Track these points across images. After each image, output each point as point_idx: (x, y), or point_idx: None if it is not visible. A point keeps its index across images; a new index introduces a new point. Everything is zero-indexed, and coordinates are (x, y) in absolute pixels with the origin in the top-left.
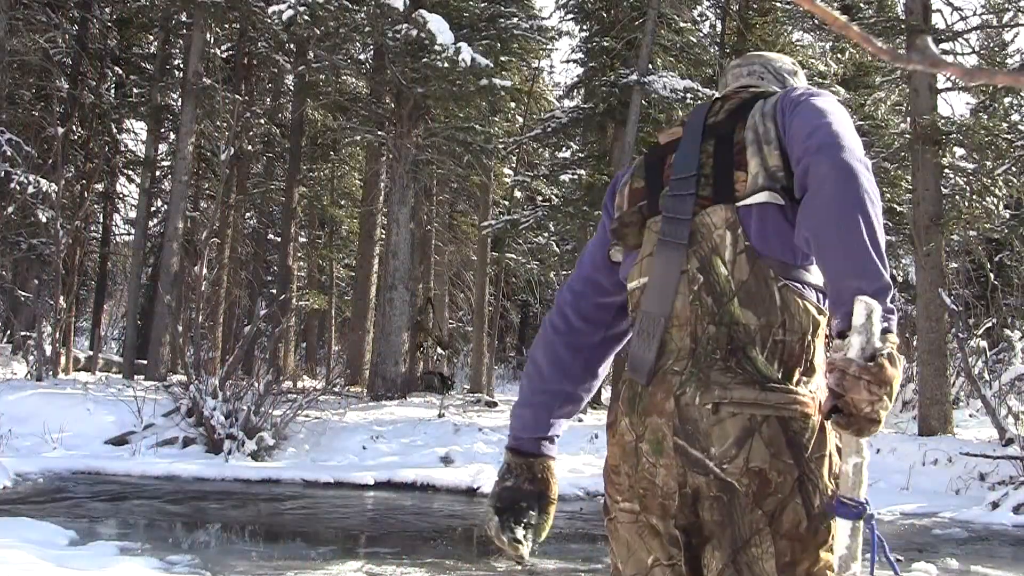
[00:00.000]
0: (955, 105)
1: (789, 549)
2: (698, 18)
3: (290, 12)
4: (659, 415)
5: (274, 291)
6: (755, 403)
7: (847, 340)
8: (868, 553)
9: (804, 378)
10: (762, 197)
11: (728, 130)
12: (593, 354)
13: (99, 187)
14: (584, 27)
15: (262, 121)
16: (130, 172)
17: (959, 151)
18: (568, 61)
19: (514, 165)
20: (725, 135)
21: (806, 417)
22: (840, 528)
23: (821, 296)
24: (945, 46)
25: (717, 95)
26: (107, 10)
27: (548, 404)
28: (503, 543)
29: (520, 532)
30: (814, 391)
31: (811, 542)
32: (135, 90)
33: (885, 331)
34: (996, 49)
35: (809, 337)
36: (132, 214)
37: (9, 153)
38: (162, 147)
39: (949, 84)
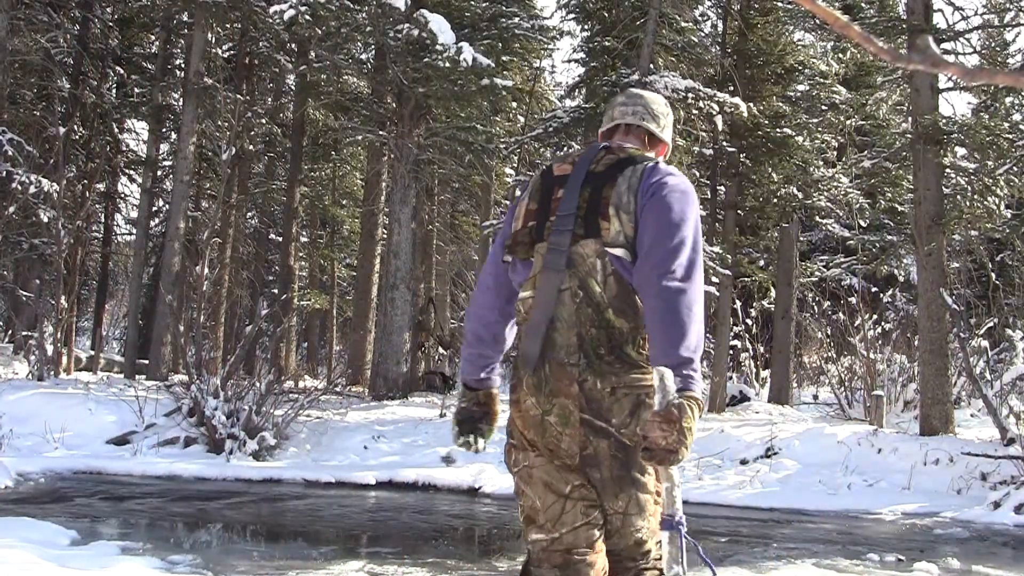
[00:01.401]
0: (956, 105)
1: (655, 481)
2: (699, 18)
3: (291, 12)
4: (566, 397)
5: (275, 291)
6: (639, 385)
7: (658, 392)
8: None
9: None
10: (620, 252)
11: (601, 184)
12: (495, 337)
13: (100, 187)
14: (585, 27)
15: (263, 121)
16: (131, 172)
17: (960, 151)
18: (569, 61)
19: (516, 165)
20: (597, 188)
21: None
22: (662, 536)
23: None
24: (946, 46)
25: (604, 127)
26: (108, 10)
27: (474, 364)
28: (460, 444)
29: (472, 438)
30: None
31: (663, 474)
32: (136, 90)
33: (681, 389)
34: (997, 49)
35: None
36: (133, 214)
37: (11, 153)
38: (163, 147)
39: (950, 84)
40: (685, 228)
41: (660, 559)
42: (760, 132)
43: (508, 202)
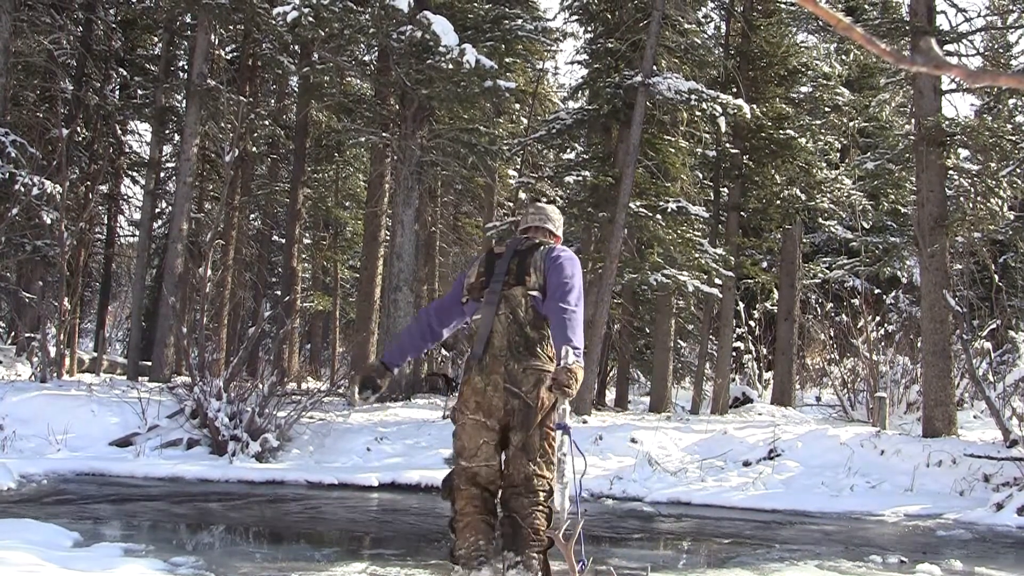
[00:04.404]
0: (960, 106)
1: (548, 433)
2: (702, 19)
3: (294, 13)
4: (496, 374)
5: (278, 292)
6: (541, 368)
7: (560, 360)
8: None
9: (551, 359)
10: (535, 293)
11: (525, 256)
12: (433, 337)
13: (103, 188)
14: (588, 29)
15: (266, 122)
16: (134, 173)
17: (963, 152)
18: (573, 63)
19: (518, 167)
20: (523, 258)
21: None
22: (558, 437)
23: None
24: (949, 47)
25: (522, 227)
26: (111, 11)
27: (404, 352)
28: (358, 396)
29: (367, 394)
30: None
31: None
32: (139, 91)
33: (575, 360)
34: (1001, 50)
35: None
36: (136, 215)
37: (13, 155)
38: (166, 148)
39: (953, 86)
40: (573, 279)
41: (550, 507)
42: (763, 134)
43: (511, 204)
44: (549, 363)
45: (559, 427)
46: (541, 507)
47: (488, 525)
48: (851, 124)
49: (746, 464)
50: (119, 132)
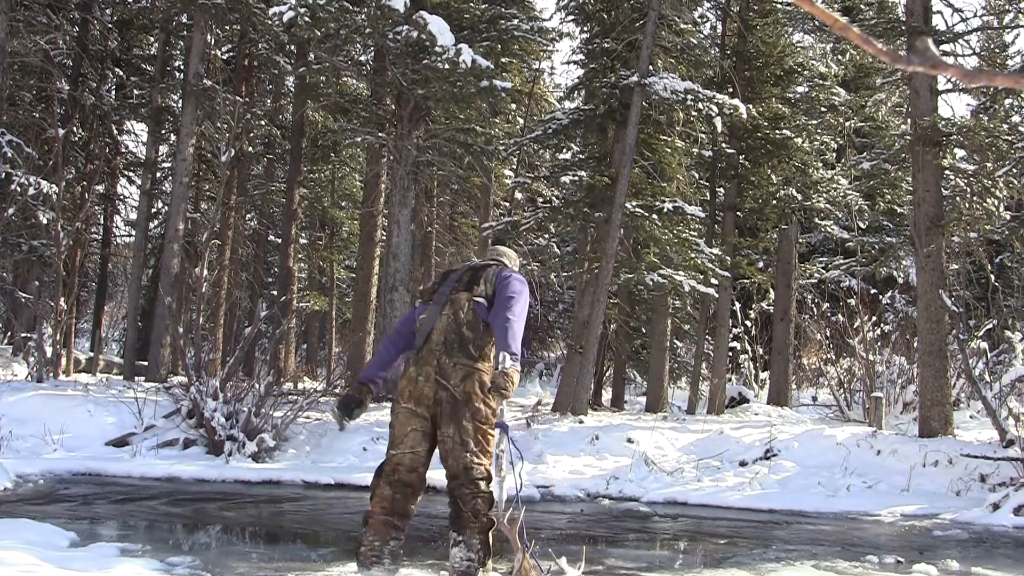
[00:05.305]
0: (956, 106)
1: (477, 422)
2: (699, 19)
3: (291, 13)
4: (429, 366)
5: (275, 292)
6: (470, 365)
7: (499, 365)
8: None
9: (487, 358)
10: (481, 299)
11: (478, 271)
12: (409, 347)
13: (100, 188)
14: (584, 29)
15: (263, 122)
16: (131, 173)
17: (960, 152)
18: (569, 63)
19: (515, 167)
20: (476, 272)
21: (485, 374)
22: (496, 432)
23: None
24: (945, 47)
25: (476, 261)
26: (108, 11)
27: (381, 365)
28: (336, 418)
29: (345, 417)
30: (488, 365)
31: (487, 421)
32: (136, 91)
33: (511, 364)
34: (997, 50)
35: (486, 342)
36: (133, 215)
37: (10, 155)
38: (163, 148)
39: (950, 85)
40: (520, 295)
41: (490, 491)
42: (759, 134)
43: (507, 203)
44: (479, 361)
45: (498, 426)
46: (482, 493)
47: (391, 527)
48: (847, 124)
49: (742, 464)
50: (115, 132)
